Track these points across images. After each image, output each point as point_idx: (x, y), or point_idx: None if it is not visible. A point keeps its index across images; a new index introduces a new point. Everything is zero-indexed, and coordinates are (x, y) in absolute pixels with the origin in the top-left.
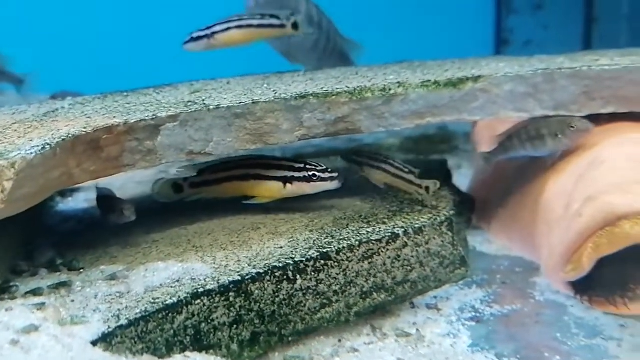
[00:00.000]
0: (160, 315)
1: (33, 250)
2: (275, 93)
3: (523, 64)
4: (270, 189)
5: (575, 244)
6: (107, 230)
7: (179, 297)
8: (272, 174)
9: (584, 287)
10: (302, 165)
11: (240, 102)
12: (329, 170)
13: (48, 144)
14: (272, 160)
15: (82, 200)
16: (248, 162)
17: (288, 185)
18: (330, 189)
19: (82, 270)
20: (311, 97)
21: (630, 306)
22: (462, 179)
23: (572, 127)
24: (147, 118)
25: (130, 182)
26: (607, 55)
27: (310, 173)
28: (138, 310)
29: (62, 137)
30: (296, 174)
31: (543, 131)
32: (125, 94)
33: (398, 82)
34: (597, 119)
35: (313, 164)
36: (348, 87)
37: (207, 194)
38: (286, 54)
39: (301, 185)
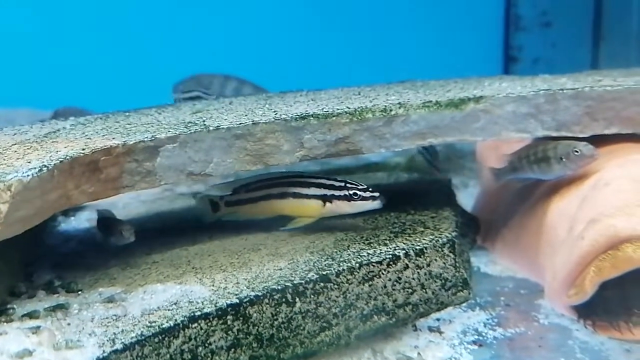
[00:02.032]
0: (156, 339)
1: (32, 272)
2: (276, 114)
3: (526, 84)
4: (309, 208)
5: (578, 267)
6: (108, 250)
7: (176, 320)
8: (312, 192)
9: (588, 311)
10: (342, 184)
11: (240, 123)
12: (370, 189)
13: (45, 166)
14: (311, 178)
15: (85, 219)
16: (286, 180)
17: (327, 204)
18: (371, 209)
19: (80, 292)
20: (311, 118)
21: (634, 331)
22: (469, 197)
23: (577, 151)
24: (146, 139)
25: (135, 201)
26: (611, 75)
27: (352, 192)
28: (134, 334)
29: (60, 159)
30: (336, 193)
31: (549, 154)
32: (127, 113)
33: (399, 103)
34: (601, 140)
35: (354, 182)
36: (349, 108)
37: (243, 212)
38: None
39: (341, 205)
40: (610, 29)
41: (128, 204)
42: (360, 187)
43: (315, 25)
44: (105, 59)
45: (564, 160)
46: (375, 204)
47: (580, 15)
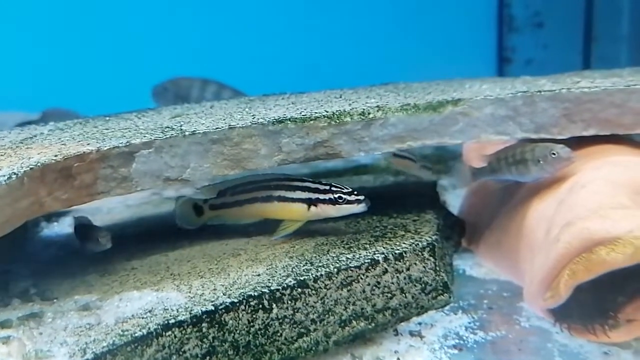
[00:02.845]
0: (128, 348)
1: (8, 280)
2: (254, 117)
3: (506, 86)
4: (294, 212)
5: (553, 270)
6: (88, 257)
7: (149, 328)
8: (297, 195)
9: (565, 314)
10: (327, 187)
11: (217, 128)
12: (355, 192)
13: (15, 174)
14: (296, 182)
15: (68, 225)
16: (272, 183)
17: (312, 207)
18: (356, 212)
19: (55, 300)
20: (289, 122)
21: (610, 334)
22: (457, 199)
23: (554, 154)
24: (120, 145)
25: (120, 205)
26: (591, 76)
27: (336, 195)
28: (105, 344)
29: (31, 166)
30: (321, 196)
31: (527, 156)
32: (107, 118)
33: (377, 106)
34: (580, 142)
35: (339, 185)
36: (327, 112)
37: (228, 216)
38: None
39: (326, 208)
40: (601, 30)
41: (113, 208)
42: (345, 190)
43: (312, 27)
44: (96, 60)
45: (541, 162)
46: (360, 207)
47: (572, 16)
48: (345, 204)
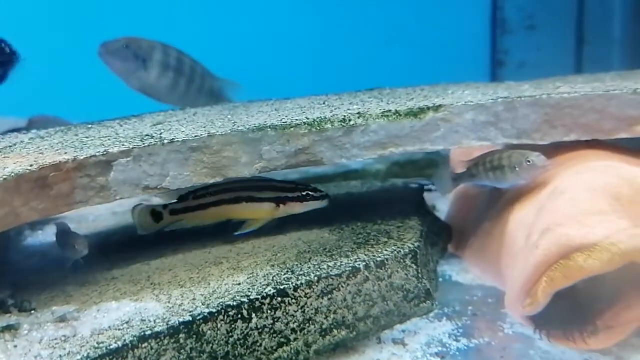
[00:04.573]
0: None
1: None
2: (234, 125)
3: (488, 91)
4: (263, 211)
5: (532, 276)
6: (68, 266)
7: (125, 340)
8: (265, 195)
9: (544, 320)
10: (293, 185)
11: (196, 136)
12: (317, 189)
13: None
14: (263, 182)
15: (52, 233)
16: (237, 185)
17: (281, 205)
18: (319, 207)
19: (32, 311)
20: (269, 129)
21: (588, 341)
22: (446, 204)
23: (529, 161)
24: (97, 153)
25: (107, 213)
26: (574, 81)
27: (304, 193)
28: (79, 356)
29: (4, 177)
30: (289, 194)
31: (503, 162)
32: (89, 125)
33: (358, 113)
34: (562, 148)
35: (302, 183)
36: (308, 118)
37: (190, 220)
38: (144, 94)
39: (293, 205)
40: (592, 32)
41: (99, 216)
42: (310, 187)
43: (309, 29)
44: (89, 65)
45: (517, 169)
46: (324, 203)
47: (564, 18)
48: (312, 200)
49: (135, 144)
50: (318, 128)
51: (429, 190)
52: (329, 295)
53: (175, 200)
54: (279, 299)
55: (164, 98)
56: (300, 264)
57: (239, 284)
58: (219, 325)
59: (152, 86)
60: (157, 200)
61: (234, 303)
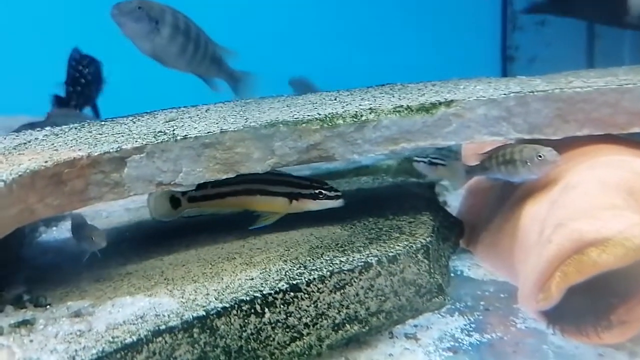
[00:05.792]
0: (118, 355)
1: (3, 286)
2: (246, 121)
3: (499, 86)
4: (276, 205)
5: (546, 271)
6: (83, 262)
7: (139, 335)
8: (279, 189)
9: (558, 315)
10: (308, 182)
11: (209, 132)
12: (333, 188)
13: (2, 181)
14: (278, 177)
15: (66, 230)
16: (253, 177)
17: (294, 201)
18: (334, 207)
19: (48, 307)
20: (281, 125)
21: (603, 336)
22: (458, 200)
23: (540, 156)
24: (111, 150)
25: (120, 209)
26: (587, 75)
27: (317, 190)
28: (95, 351)
29: (20, 173)
30: (303, 191)
31: (515, 157)
32: (103, 123)
33: (370, 108)
34: (575, 142)
35: (318, 181)
36: (319, 114)
37: (208, 208)
38: (154, 58)
39: (307, 202)
40: (603, 27)
41: (113, 212)
42: (325, 186)
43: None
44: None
45: (528, 164)
46: (338, 202)
47: None
48: (325, 199)
49: (148, 140)
50: (330, 124)
51: (442, 164)
52: (342, 290)
53: (193, 189)
54: (292, 294)
55: (172, 62)
56: (313, 259)
57: (252, 279)
58: (232, 320)
59: (163, 49)
60: None
61: (247, 298)
